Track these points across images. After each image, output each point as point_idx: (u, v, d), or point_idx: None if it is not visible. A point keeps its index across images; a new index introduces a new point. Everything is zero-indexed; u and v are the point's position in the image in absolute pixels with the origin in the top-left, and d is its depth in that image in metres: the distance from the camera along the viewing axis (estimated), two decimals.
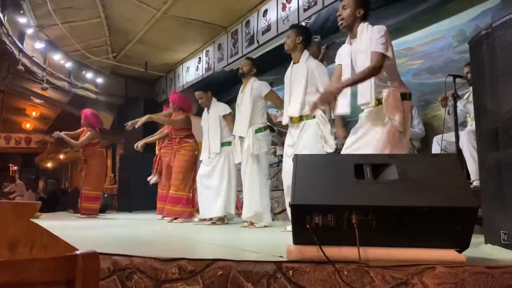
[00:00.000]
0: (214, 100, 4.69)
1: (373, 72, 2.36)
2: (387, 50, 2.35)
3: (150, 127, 6.62)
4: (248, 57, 4.49)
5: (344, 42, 2.75)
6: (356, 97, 2.52)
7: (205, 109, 4.74)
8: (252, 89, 3.96)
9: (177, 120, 5.04)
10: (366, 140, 2.46)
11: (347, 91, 2.54)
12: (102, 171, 6.43)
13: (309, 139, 3.20)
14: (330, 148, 3.10)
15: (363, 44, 2.46)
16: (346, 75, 2.59)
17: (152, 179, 5.84)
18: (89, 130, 6.05)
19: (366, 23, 2.54)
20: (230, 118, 4.44)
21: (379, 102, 2.42)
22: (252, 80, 4.04)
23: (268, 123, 4.07)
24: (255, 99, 3.95)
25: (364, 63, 2.42)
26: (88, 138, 5.98)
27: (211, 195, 4.42)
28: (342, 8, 2.53)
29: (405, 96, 2.41)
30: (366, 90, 2.44)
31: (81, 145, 6.04)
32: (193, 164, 5.13)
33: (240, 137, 4.03)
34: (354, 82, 2.44)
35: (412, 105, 4.47)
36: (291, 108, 3.33)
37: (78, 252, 0.77)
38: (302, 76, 3.28)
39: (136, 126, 5.16)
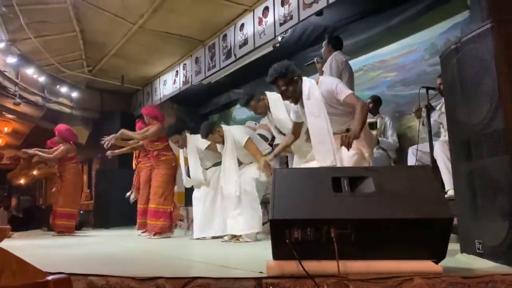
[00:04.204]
0: (188, 136, 4.69)
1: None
2: None
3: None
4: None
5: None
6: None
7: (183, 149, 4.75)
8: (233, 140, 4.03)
9: (149, 133, 4.97)
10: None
11: None
12: (78, 187, 6.28)
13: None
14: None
15: None
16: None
17: (131, 196, 5.74)
18: (63, 145, 5.91)
19: None
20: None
21: (347, 130, 2.68)
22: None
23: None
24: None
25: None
26: (62, 151, 5.83)
27: (207, 213, 4.43)
28: None
29: (371, 126, 2.78)
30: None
31: (55, 159, 5.87)
32: (173, 177, 5.09)
33: None
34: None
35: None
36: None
37: (49, 278, 0.74)
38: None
39: (110, 143, 5.08)
